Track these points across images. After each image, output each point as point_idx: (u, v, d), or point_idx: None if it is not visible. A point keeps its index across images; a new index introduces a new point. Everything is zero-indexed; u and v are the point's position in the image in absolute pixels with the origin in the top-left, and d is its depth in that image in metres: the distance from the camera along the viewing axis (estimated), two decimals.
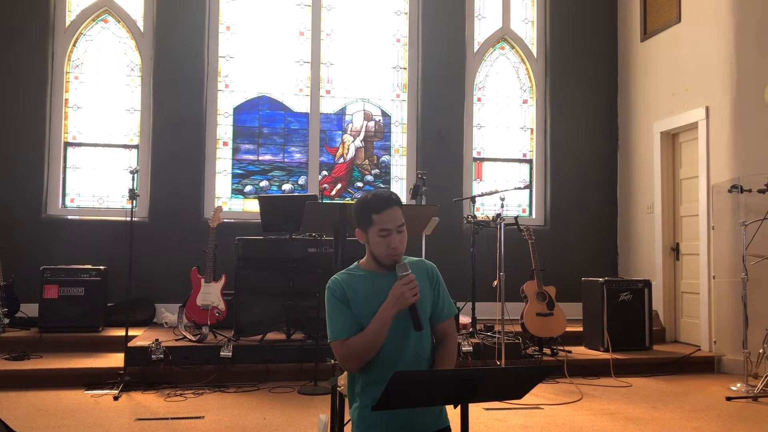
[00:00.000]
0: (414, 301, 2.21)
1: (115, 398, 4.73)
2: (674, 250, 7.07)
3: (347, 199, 7.68)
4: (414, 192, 6.04)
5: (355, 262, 2.42)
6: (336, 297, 2.29)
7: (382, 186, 7.80)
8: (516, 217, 6.45)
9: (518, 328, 5.96)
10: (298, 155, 7.65)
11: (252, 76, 7.58)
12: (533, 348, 5.93)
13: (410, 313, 2.23)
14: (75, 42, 7.27)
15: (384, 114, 7.87)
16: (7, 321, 6.06)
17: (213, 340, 5.55)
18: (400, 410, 2.15)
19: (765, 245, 5.46)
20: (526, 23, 8.18)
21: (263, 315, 5.74)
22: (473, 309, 6.21)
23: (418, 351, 2.30)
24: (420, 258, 2.47)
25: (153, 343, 5.17)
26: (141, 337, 5.82)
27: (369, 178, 7.82)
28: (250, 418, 4.32)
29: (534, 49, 8.12)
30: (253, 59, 7.59)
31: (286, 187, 7.60)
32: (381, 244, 2.27)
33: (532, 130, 8.10)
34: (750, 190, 5.58)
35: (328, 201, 7.42)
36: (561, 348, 6.00)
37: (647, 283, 6.54)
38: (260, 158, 7.57)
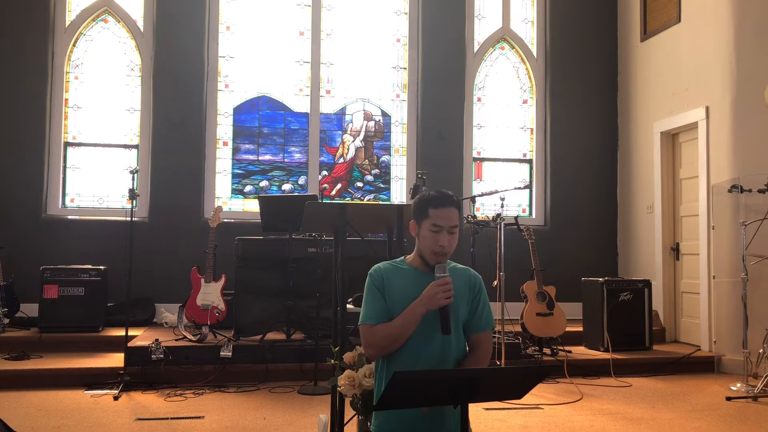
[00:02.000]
0: (446, 303, 2.22)
1: (115, 398, 4.74)
2: (674, 250, 7.07)
3: (347, 199, 7.68)
4: (414, 192, 6.00)
5: (402, 256, 2.47)
6: (374, 284, 2.34)
7: (381, 186, 7.80)
8: (516, 217, 6.45)
9: (518, 328, 5.96)
10: (298, 155, 7.65)
11: (252, 76, 7.58)
12: (533, 348, 5.93)
13: (440, 315, 2.24)
14: (75, 42, 7.27)
15: (384, 114, 7.87)
16: (7, 321, 6.07)
17: (213, 340, 5.55)
18: (420, 410, 2.18)
19: (765, 245, 5.45)
20: (526, 23, 8.18)
21: (263, 315, 5.73)
22: None
23: (443, 354, 2.30)
24: (467, 267, 2.47)
25: (153, 343, 5.17)
26: (141, 337, 5.82)
27: (369, 178, 7.82)
28: (250, 418, 4.32)
29: (534, 49, 8.12)
30: (253, 59, 7.59)
31: (286, 187, 7.60)
32: (430, 239, 2.30)
33: (532, 130, 8.10)
34: (750, 190, 5.59)
35: (328, 201, 7.42)
36: (561, 348, 6.00)
37: (647, 283, 6.54)
38: (260, 158, 7.57)
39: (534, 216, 7.99)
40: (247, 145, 7.56)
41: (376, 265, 2.40)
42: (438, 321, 2.25)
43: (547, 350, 5.92)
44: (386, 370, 2.33)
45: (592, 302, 6.43)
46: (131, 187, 5.21)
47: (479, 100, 8.01)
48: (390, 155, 7.87)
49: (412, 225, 2.40)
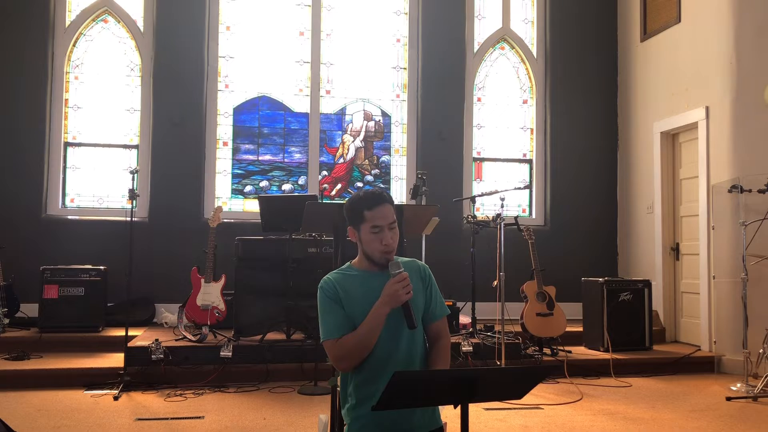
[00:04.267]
0: (407, 299, 2.21)
1: (115, 398, 4.73)
2: (674, 250, 7.07)
3: (347, 199, 7.66)
4: (414, 192, 6.03)
5: (348, 262, 2.42)
6: (328, 296, 2.28)
7: (381, 186, 7.80)
8: (516, 217, 6.45)
9: (518, 328, 5.95)
10: (298, 155, 7.65)
11: (252, 76, 7.58)
12: (533, 348, 5.93)
13: (403, 311, 2.23)
14: (75, 42, 7.27)
15: (384, 114, 7.87)
16: (7, 321, 6.06)
17: (213, 340, 5.55)
18: (393, 410, 2.15)
19: (765, 245, 5.45)
20: (526, 23, 8.18)
21: (263, 315, 5.73)
22: (473, 309, 6.21)
23: (410, 350, 2.30)
24: (412, 258, 2.47)
25: (153, 343, 5.17)
26: (141, 337, 5.82)
27: (369, 178, 7.82)
28: (250, 418, 4.32)
29: (534, 49, 8.12)
30: (253, 59, 7.59)
31: (286, 187, 7.60)
32: (373, 241, 2.27)
33: (532, 130, 8.10)
34: (750, 190, 5.58)
35: (328, 201, 7.42)
36: (561, 348, 6.00)
37: (647, 283, 6.54)
38: (260, 158, 7.57)
39: (534, 216, 7.99)
40: (247, 145, 7.56)
41: (324, 278, 2.34)
42: (400, 318, 2.24)
43: (547, 350, 5.91)
44: (355, 376, 2.29)
45: (592, 302, 6.43)
46: (131, 187, 5.21)
47: (479, 100, 8.01)
48: (390, 155, 7.87)
49: (350, 231, 2.35)
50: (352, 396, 2.30)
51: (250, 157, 7.56)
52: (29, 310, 6.31)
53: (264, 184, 7.56)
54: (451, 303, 6.03)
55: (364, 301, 2.25)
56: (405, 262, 2.37)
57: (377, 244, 2.27)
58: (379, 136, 7.86)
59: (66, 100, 7.22)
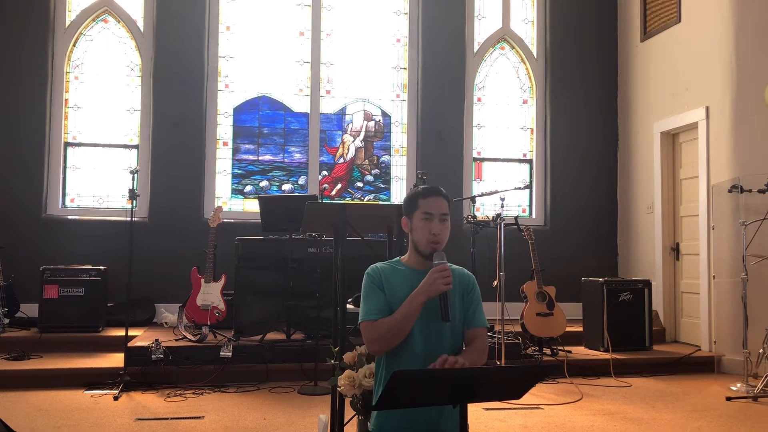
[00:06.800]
0: (445, 289, 2.25)
1: (115, 398, 4.74)
2: (674, 250, 7.08)
3: (347, 199, 7.68)
4: None
5: (398, 257, 2.50)
6: (373, 282, 2.36)
7: (382, 186, 7.80)
8: (516, 217, 6.45)
9: (518, 328, 5.96)
10: (298, 155, 7.65)
11: (252, 76, 7.58)
12: (533, 348, 5.93)
13: (440, 301, 2.26)
14: (75, 42, 7.27)
15: (384, 114, 7.87)
16: (7, 321, 6.06)
17: (213, 340, 5.55)
18: (421, 408, 2.19)
19: (765, 245, 5.46)
20: (526, 23, 8.18)
21: (263, 315, 5.74)
22: None
23: (449, 346, 2.32)
24: (461, 267, 2.49)
25: (153, 343, 5.17)
26: (141, 337, 5.82)
27: (369, 178, 7.82)
28: (250, 418, 4.32)
29: (534, 49, 8.12)
30: (253, 59, 7.59)
31: (286, 187, 7.60)
32: (423, 228, 2.34)
33: (532, 130, 8.10)
34: (750, 190, 5.59)
35: (328, 201, 7.42)
36: (561, 348, 6.01)
37: (647, 283, 6.54)
38: (260, 158, 7.57)
39: (534, 216, 7.99)
40: (247, 145, 7.56)
41: (372, 265, 2.43)
42: (435, 314, 2.27)
43: (547, 350, 5.92)
44: (386, 369, 2.34)
45: (592, 302, 6.43)
46: (131, 187, 5.21)
47: (479, 100, 8.01)
48: (390, 155, 7.87)
49: (404, 221, 2.45)
50: (382, 383, 2.34)
51: (250, 157, 7.56)
52: (29, 310, 6.31)
53: (264, 184, 7.56)
54: None
55: (406, 295, 2.29)
56: (453, 268, 2.40)
57: (426, 231, 2.34)
58: (379, 136, 7.86)
59: (66, 100, 7.22)
